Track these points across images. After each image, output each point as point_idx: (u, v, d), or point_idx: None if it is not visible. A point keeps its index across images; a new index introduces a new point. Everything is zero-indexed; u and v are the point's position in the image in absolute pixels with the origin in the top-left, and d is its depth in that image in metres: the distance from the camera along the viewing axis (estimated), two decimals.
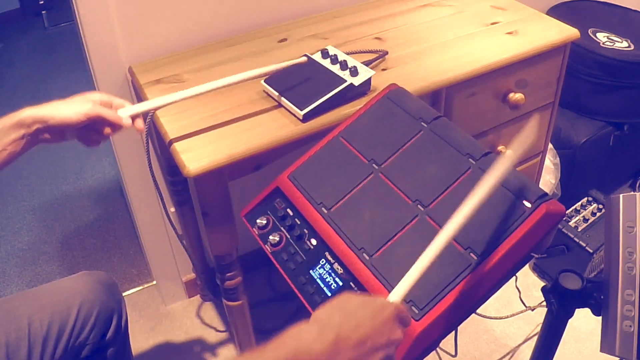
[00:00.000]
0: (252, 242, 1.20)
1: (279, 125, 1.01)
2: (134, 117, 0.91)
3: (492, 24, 1.31)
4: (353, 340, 0.53)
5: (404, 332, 0.59)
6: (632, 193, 0.73)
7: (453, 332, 0.72)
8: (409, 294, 0.69)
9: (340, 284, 0.76)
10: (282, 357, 0.51)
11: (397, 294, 0.61)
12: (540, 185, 1.58)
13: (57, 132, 0.84)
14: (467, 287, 0.68)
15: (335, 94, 1.02)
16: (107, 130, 0.89)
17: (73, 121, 0.83)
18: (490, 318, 1.56)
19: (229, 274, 1.12)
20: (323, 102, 1.01)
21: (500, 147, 1.34)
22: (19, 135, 0.81)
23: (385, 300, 0.59)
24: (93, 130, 0.88)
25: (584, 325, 1.54)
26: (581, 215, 1.63)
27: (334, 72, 1.05)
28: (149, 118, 1.04)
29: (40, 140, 0.84)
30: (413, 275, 0.62)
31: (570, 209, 1.65)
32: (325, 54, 1.10)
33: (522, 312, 1.55)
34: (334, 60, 1.08)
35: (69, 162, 2.33)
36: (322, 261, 0.79)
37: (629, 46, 1.67)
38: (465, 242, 0.71)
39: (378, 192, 0.80)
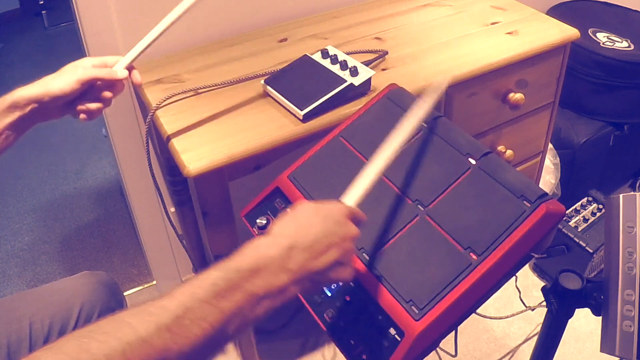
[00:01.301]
0: None
1: (279, 125, 1.01)
2: (129, 69, 0.87)
3: (492, 24, 1.31)
4: (306, 243, 0.57)
5: (358, 230, 0.63)
6: (632, 193, 0.74)
7: (453, 332, 0.72)
8: (409, 294, 0.69)
9: (340, 283, 0.76)
10: (246, 269, 0.54)
11: (351, 198, 0.66)
12: (540, 185, 1.59)
13: (54, 108, 0.81)
14: (467, 287, 0.68)
15: (335, 94, 1.02)
16: (106, 94, 0.84)
17: (67, 92, 0.79)
18: (490, 318, 1.56)
19: None
20: (323, 102, 1.01)
21: (500, 147, 1.34)
22: (15, 118, 0.78)
23: (336, 203, 0.63)
24: (94, 99, 0.83)
25: (584, 325, 1.54)
26: (581, 215, 1.63)
27: (334, 72, 1.05)
28: (149, 118, 1.05)
29: (37, 119, 0.81)
30: (366, 179, 0.67)
31: (570, 209, 1.65)
32: (325, 54, 1.10)
33: (522, 312, 1.55)
34: (334, 60, 1.08)
35: (69, 162, 2.33)
36: None
37: (629, 46, 1.67)
38: (465, 242, 0.71)
39: (378, 192, 0.80)
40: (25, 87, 0.79)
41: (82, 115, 0.84)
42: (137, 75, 0.88)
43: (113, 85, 0.85)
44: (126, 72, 0.86)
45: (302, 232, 0.58)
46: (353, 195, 0.67)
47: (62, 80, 0.80)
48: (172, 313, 0.49)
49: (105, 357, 0.44)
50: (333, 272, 0.60)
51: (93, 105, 0.84)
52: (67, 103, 0.82)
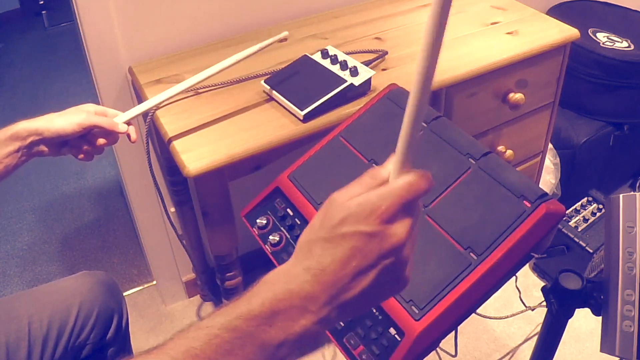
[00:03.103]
0: (252, 242, 1.20)
1: (279, 125, 1.01)
2: (129, 123, 0.91)
3: (492, 24, 1.31)
4: (333, 275, 0.43)
5: (415, 218, 0.45)
6: (632, 193, 0.73)
7: (453, 332, 0.72)
8: (409, 294, 0.69)
9: None
10: (267, 304, 0.43)
11: (396, 167, 0.45)
12: (540, 185, 1.59)
13: (53, 144, 0.85)
14: (467, 287, 0.68)
15: (336, 94, 1.02)
16: (101, 141, 0.88)
17: (68, 132, 0.83)
18: (490, 318, 1.56)
19: (229, 274, 1.12)
20: (323, 102, 1.01)
21: (500, 147, 1.34)
22: (15, 148, 0.82)
23: (377, 196, 0.43)
24: (88, 143, 0.88)
25: (584, 325, 1.54)
26: (581, 215, 1.63)
27: (334, 72, 1.05)
28: (149, 118, 1.05)
29: (36, 153, 0.84)
30: (408, 131, 0.47)
31: (570, 209, 1.65)
32: (325, 54, 1.10)
33: (522, 312, 1.55)
34: (334, 60, 1.08)
35: (69, 162, 2.32)
36: None
37: (629, 46, 1.67)
38: (465, 242, 0.71)
39: None
40: (29, 120, 0.83)
41: (80, 156, 0.88)
42: (132, 133, 0.92)
43: (109, 134, 0.89)
44: (126, 127, 0.90)
45: (331, 256, 0.43)
46: (399, 159, 0.45)
47: (65, 120, 0.83)
48: None
49: None
50: (375, 296, 0.46)
51: (90, 150, 0.88)
52: (64, 142, 0.86)
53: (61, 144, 0.86)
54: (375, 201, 0.43)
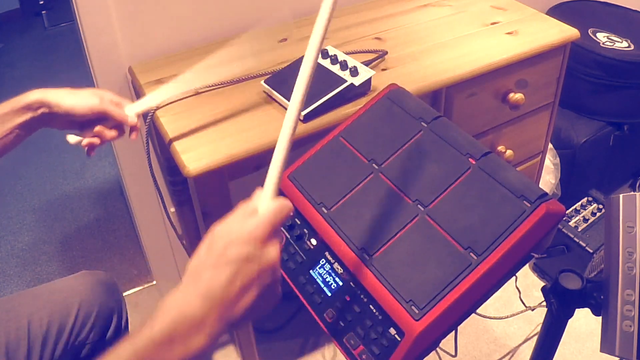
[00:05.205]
0: None
1: (279, 125, 1.00)
2: (134, 128, 0.91)
3: (492, 24, 1.31)
4: (218, 294, 0.51)
5: (277, 253, 0.53)
6: (632, 193, 0.73)
7: (453, 332, 0.72)
8: (409, 294, 0.69)
9: (340, 284, 0.76)
10: (158, 337, 0.49)
11: (265, 199, 0.56)
12: (540, 185, 1.59)
13: (61, 120, 0.84)
14: (467, 287, 0.68)
15: (336, 94, 1.02)
16: (110, 134, 0.88)
17: (77, 112, 0.83)
18: (490, 318, 1.56)
19: None
20: (323, 102, 1.01)
21: (500, 147, 1.34)
22: (26, 118, 0.82)
23: (249, 224, 0.52)
24: (96, 132, 0.87)
25: (584, 325, 1.54)
26: (581, 215, 1.63)
27: (334, 72, 1.05)
28: (149, 118, 1.04)
29: (46, 124, 0.84)
30: (274, 170, 0.59)
31: (570, 209, 1.65)
32: (325, 54, 1.10)
33: (522, 312, 1.55)
34: (334, 60, 1.08)
35: (69, 162, 2.33)
36: (322, 261, 0.79)
37: (629, 46, 1.67)
38: (465, 242, 0.71)
39: (378, 192, 0.80)
40: (42, 90, 0.82)
41: (84, 144, 0.88)
42: (134, 135, 0.92)
43: (118, 126, 0.89)
44: (136, 120, 0.90)
45: (217, 280, 0.50)
46: (267, 192, 0.57)
47: (77, 100, 0.83)
48: None
49: None
50: (256, 309, 0.54)
51: (96, 140, 0.88)
52: (72, 121, 0.86)
53: (70, 122, 0.86)
54: (251, 229, 0.52)
